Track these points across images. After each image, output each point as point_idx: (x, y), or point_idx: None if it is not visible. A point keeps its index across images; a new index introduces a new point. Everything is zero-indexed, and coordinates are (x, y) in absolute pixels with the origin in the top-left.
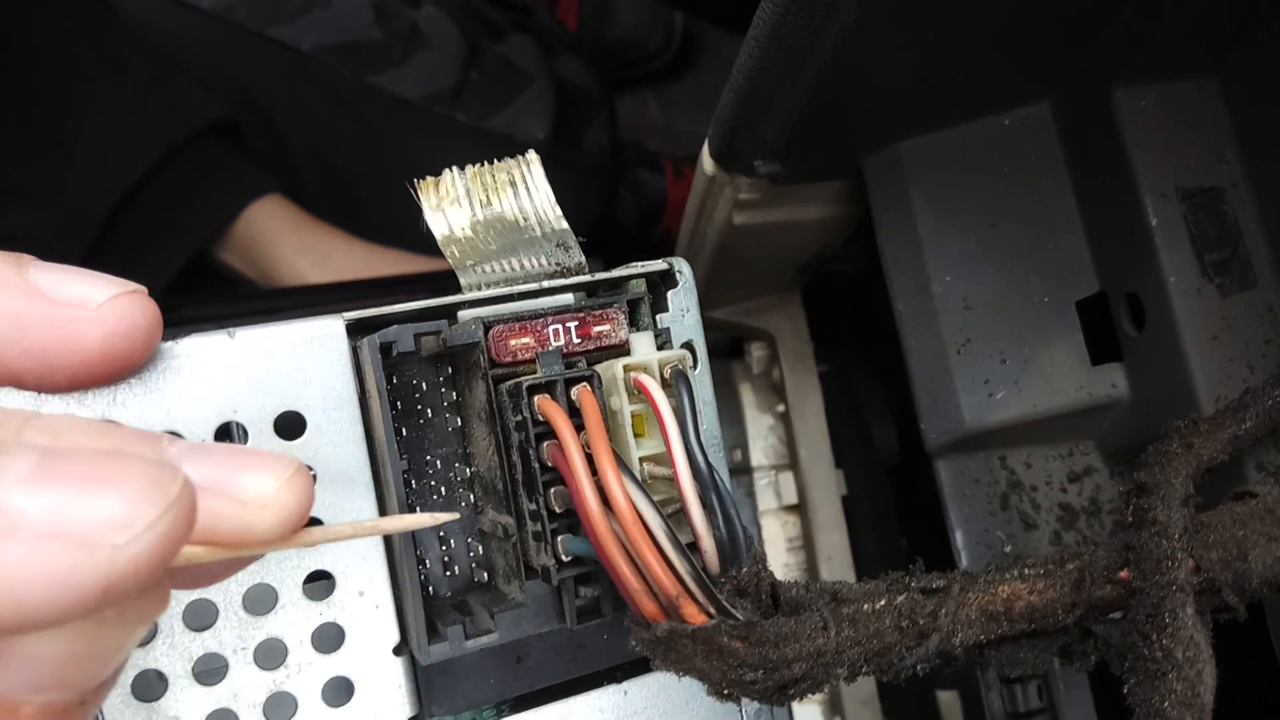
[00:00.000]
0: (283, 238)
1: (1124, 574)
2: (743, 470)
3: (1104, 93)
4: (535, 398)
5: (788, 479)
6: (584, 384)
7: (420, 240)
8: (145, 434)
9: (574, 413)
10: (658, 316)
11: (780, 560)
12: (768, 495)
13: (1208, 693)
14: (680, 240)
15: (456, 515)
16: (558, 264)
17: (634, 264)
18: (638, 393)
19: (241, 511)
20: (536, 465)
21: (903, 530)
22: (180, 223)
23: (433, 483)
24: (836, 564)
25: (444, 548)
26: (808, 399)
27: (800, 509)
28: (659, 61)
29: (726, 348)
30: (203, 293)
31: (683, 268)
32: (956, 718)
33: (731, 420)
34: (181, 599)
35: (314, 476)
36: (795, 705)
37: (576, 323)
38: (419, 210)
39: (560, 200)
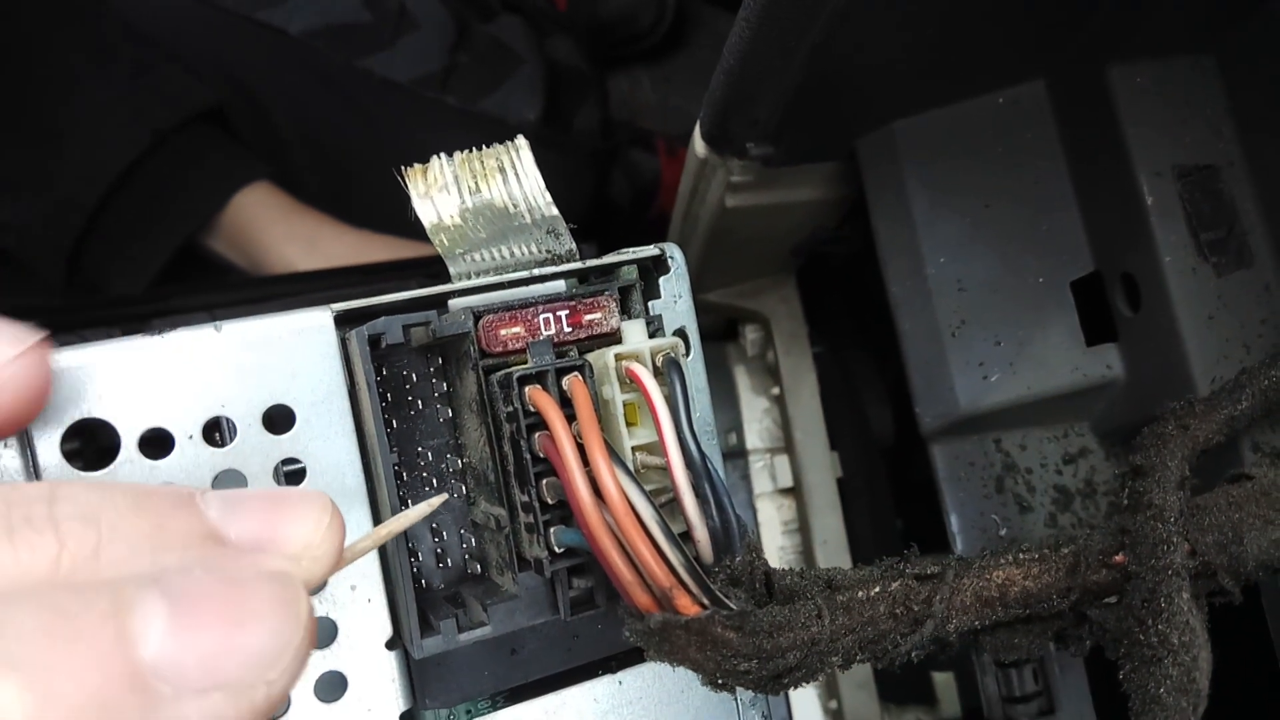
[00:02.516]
0: (271, 225)
1: (1119, 558)
2: (737, 453)
3: (1099, 71)
4: (526, 388)
5: (783, 462)
6: (575, 374)
7: (411, 226)
8: (179, 497)
9: (565, 403)
10: (650, 303)
11: (775, 544)
12: (763, 478)
13: (1204, 678)
14: (673, 224)
15: (446, 496)
16: (548, 251)
17: (625, 250)
18: (630, 382)
19: (295, 569)
20: (528, 456)
21: (898, 511)
22: (168, 211)
23: (424, 475)
24: (832, 547)
25: (436, 540)
26: (802, 381)
27: (795, 492)
28: (651, 39)
29: (721, 330)
30: (191, 281)
31: (675, 253)
32: (952, 699)
33: (726, 403)
34: None
35: (304, 470)
36: (791, 690)
37: (567, 311)
38: (409, 197)
39: (552, 183)
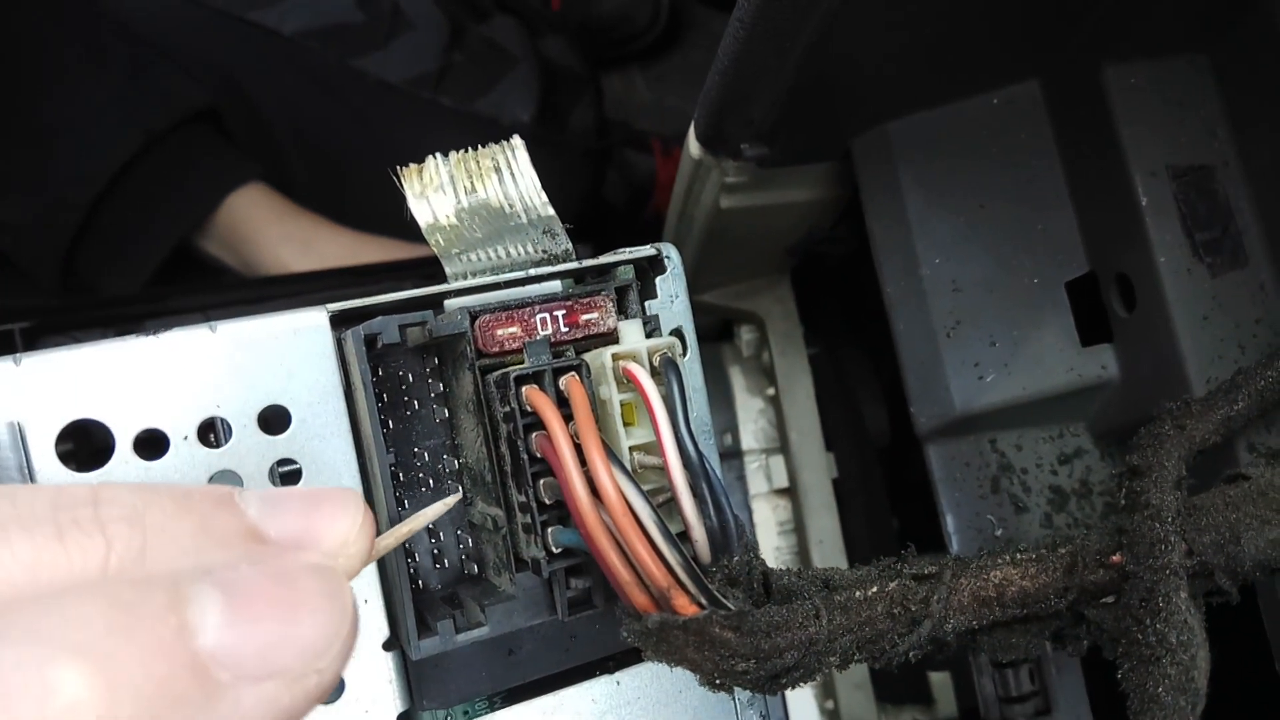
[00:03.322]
0: (266, 226)
1: (1116, 558)
2: (733, 454)
3: (1094, 70)
4: (523, 388)
5: (778, 462)
6: (572, 373)
7: (407, 227)
8: (220, 497)
9: (562, 403)
10: (646, 303)
11: (771, 544)
12: (758, 479)
13: (1202, 677)
14: (668, 224)
15: (460, 495)
16: (544, 251)
17: (622, 250)
18: (627, 381)
19: (335, 564)
20: (525, 456)
21: (894, 511)
22: (162, 213)
23: (420, 475)
24: (828, 547)
25: (433, 540)
26: (798, 381)
27: (791, 492)
28: (646, 39)
29: (716, 331)
30: (186, 282)
31: (671, 253)
32: (948, 699)
33: (721, 404)
34: None
35: (300, 471)
36: (788, 690)
37: (564, 311)
38: (404, 196)
39: (547, 183)
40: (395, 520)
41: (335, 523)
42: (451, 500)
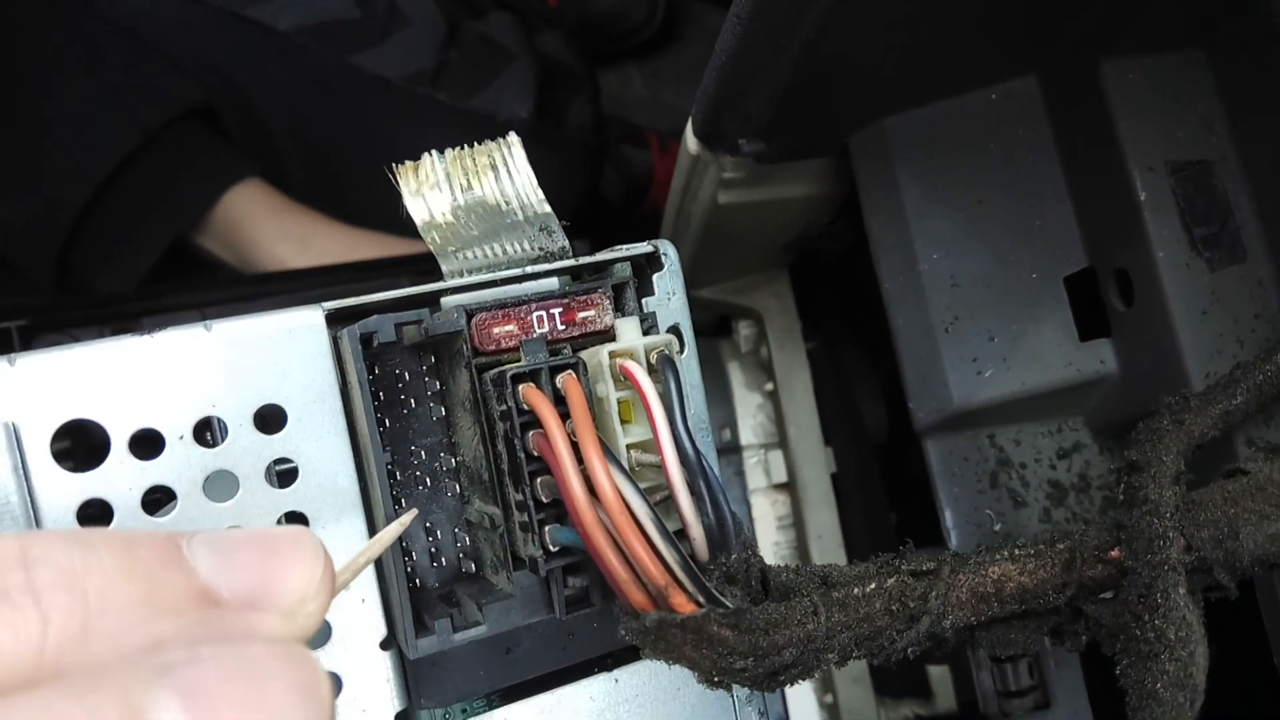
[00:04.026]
0: (263, 223)
1: (1115, 553)
2: (731, 449)
3: (1091, 66)
4: (519, 386)
5: (777, 457)
6: (569, 371)
7: (404, 223)
8: (167, 551)
9: (559, 401)
10: (644, 300)
11: (770, 539)
12: (757, 474)
13: (1200, 673)
14: (665, 220)
15: (416, 512)
16: (541, 248)
17: (619, 247)
18: (624, 379)
19: (291, 626)
20: (522, 455)
21: (893, 506)
22: (158, 210)
23: (417, 474)
24: (826, 542)
25: (430, 539)
26: (796, 377)
27: (790, 487)
28: (642, 35)
29: (714, 326)
30: (182, 280)
31: (668, 250)
32: (947, 693)
33: (720, 399)
34: None
35: (296, 470)
36: (787, 687)
37: (560, 309)
38: (400, 194)
39: (544, 179)
40: (394, 519)
41: (292, 575)
42: (407, 519)
